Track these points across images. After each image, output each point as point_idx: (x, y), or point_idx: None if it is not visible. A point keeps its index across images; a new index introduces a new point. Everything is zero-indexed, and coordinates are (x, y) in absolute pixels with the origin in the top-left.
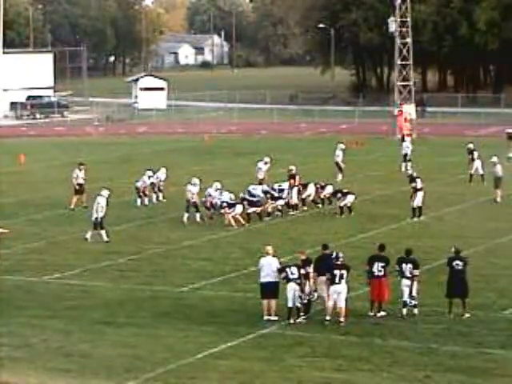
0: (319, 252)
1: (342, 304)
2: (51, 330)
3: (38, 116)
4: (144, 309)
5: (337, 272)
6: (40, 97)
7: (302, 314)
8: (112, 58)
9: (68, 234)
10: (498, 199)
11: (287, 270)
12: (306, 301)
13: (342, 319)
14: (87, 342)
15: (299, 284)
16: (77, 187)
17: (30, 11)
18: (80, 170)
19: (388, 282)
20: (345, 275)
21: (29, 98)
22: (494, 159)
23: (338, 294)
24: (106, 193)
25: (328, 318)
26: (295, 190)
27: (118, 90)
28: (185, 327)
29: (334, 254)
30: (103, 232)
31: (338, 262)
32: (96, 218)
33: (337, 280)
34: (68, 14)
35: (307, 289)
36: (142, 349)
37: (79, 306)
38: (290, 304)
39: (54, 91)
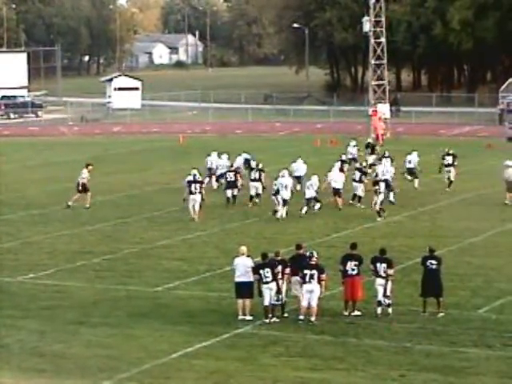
0: (293, 252)
1: (313, 303)
2: (26, 330)
3: (11, 116)
4: (119, 309)
5: (307, 272)
6: (14, 97)
7: (277, 313)
8: (86, 58)
9: (42, 234)
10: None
11: (261, 272)
12: (278, 301)
13: (313, 318)
14: (62, 342)
15: (276, 284)
16: (80, 187)
17: (3, 11)
18: (88, 170)
19: (361, 281)
20: (316, 275)
21: (3, 97)
22: (508, 162)
23: (310, 293)
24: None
25: (301, 317)
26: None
27: (93, 89)
28: (159, 327)
29: (308, 253)
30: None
31: (312, 262)
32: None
33: (307, 279)
34: (42, 13)
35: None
36: (117, 349)
37: (54, 306)
38: (266, 303)
39: (28, 91)
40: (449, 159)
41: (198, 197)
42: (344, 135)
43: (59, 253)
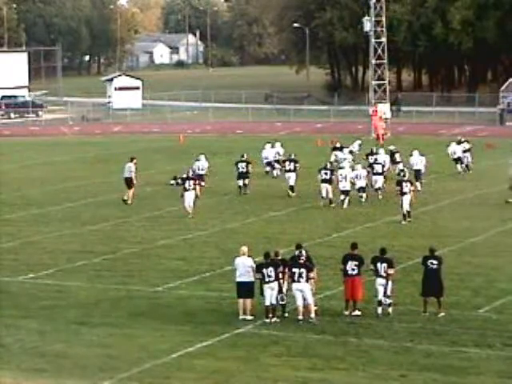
0: (293, 252)
1: (309, 301)
2: (26, 330)
3: (12, 116)
4: (119, 308)
5: (295, 270)
6: (14, 96)
7: (278, 313)
8: (87, 58)
9: (43, 233)
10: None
11: (264, 271)
12: (282, 301)
13: (312, 316)
14: (62, 342)
15: (278, 284)
16: (128, 181)
17: (4, 10)
18: (134, 163)
19: (362, 281)
20: (304, 274)
21: (3, 97)
22: None
23: (300, 292)
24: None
25: (300, 317)
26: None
27: (93, 89)
28: (160, 327)
29: (297, 253)
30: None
31: (300, 261)
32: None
33: (296, 278)
34: (42, 13)
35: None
36: (117, 348)
37: (54, 305)
38: (267, 303)
39: (29, 91)
40: (465, 146)
41: (192, 193)
42: (345, 135)
43: (59, 252)
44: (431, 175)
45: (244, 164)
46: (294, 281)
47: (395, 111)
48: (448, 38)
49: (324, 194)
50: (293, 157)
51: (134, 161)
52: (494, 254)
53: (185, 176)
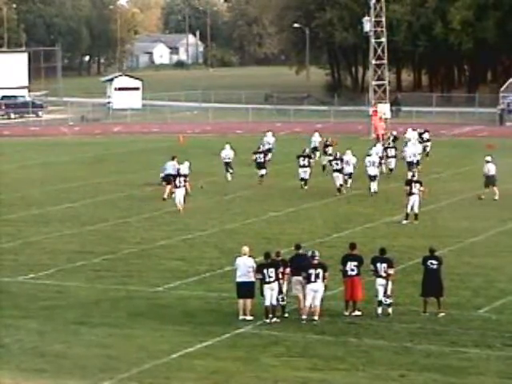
0: (293, 252)
1: (317, 303)
2: (25, 330)
3: (12, 116)
4: (119, 309)
5: (312, 271)
6: (14, 96)
7: (278, 313)
8: (87, 58)
9: (42, 234)
10: (496, 197)
11: (264, 271)
12: (283, 302)
13: (316, 317)
14: (62, 342)
15: (278, 284)
16: (170, 177)
17: (4, 11)
18: (178, 162)
19: (361, 282)
20: (321, 274)
21: (3, 97)
22: (488, 158)
23: (314, 293)
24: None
25: (304, 317)
26: None
27: (93, 89)
28: (160, 327)
29: (310, 253)
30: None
31: (314, 261)
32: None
33: (312, 279)
34: (42, 13)
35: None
36: (117, 349)
37: (54, 306)
38: (266, 303)
39: (29, 91)
40: (425, 136)
41: (182, 190)
42: (344, 135)
43: (59, 253)
44: (431, 175)
45: (262, 155)
46: (309, 282)
47: (395, 111)
48: (448, 38)
49: (341, 182)
50: (306, 152)
51: (176, 159)
52: (494, 254)
53: (175, 173)
